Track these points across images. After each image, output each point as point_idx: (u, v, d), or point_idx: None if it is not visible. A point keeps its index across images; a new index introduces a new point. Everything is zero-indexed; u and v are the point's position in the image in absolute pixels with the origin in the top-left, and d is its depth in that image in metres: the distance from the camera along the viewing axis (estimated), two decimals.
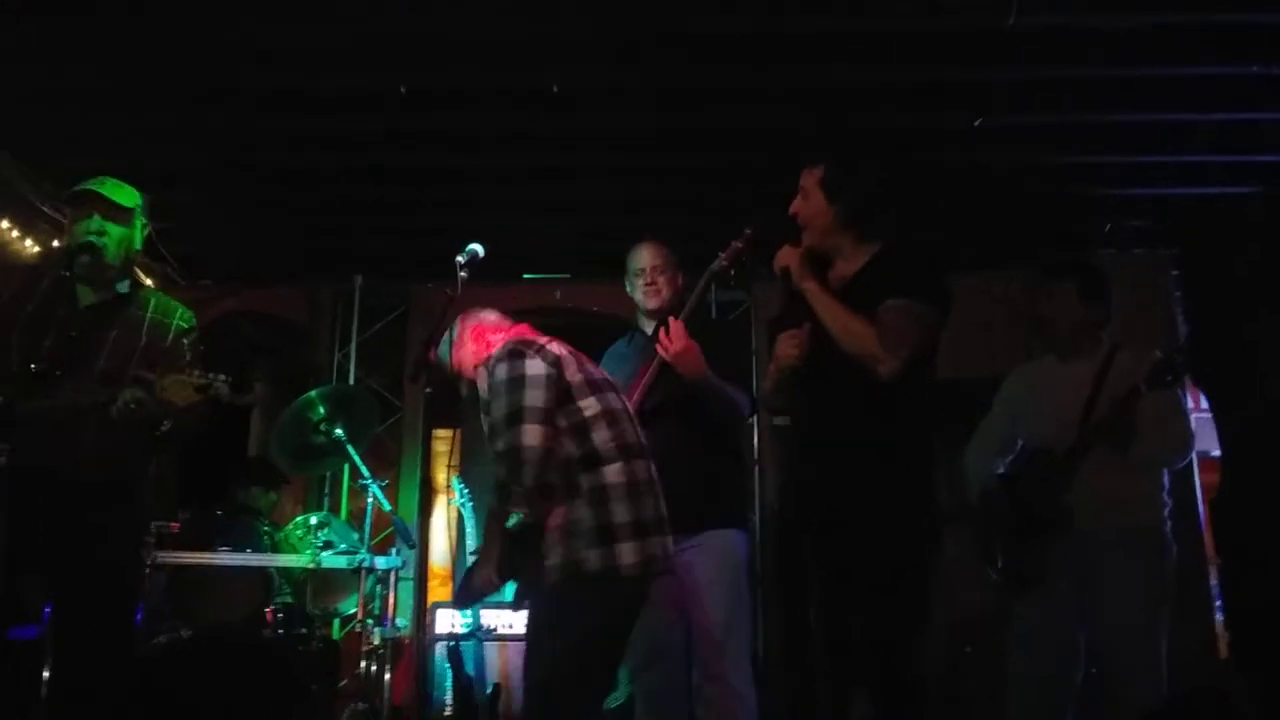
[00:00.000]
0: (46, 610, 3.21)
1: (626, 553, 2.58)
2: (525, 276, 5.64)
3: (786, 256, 2.72)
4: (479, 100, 4.05)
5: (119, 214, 2.92)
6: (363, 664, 3.86)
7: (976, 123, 3.90)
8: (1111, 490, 2.92)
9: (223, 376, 2.65)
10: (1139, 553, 2.93)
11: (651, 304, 3.31)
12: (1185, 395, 3.23)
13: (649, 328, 3.32)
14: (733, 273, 3.13)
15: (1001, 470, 3.18)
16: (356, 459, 3.97)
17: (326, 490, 5.49)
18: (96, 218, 2.90)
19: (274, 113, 4.16)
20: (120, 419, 2.67)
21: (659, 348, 3.07)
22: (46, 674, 3.33)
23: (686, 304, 3.19)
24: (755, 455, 5.27)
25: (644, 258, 3.34)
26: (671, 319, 3.09)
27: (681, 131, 4.27)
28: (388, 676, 3.84)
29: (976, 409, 3.37)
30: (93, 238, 2.87)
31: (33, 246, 4.81)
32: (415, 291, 5.65)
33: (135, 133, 4.29)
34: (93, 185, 2.93)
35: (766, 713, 3.05)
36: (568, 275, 5.68)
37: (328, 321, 5.78)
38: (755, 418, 3.57)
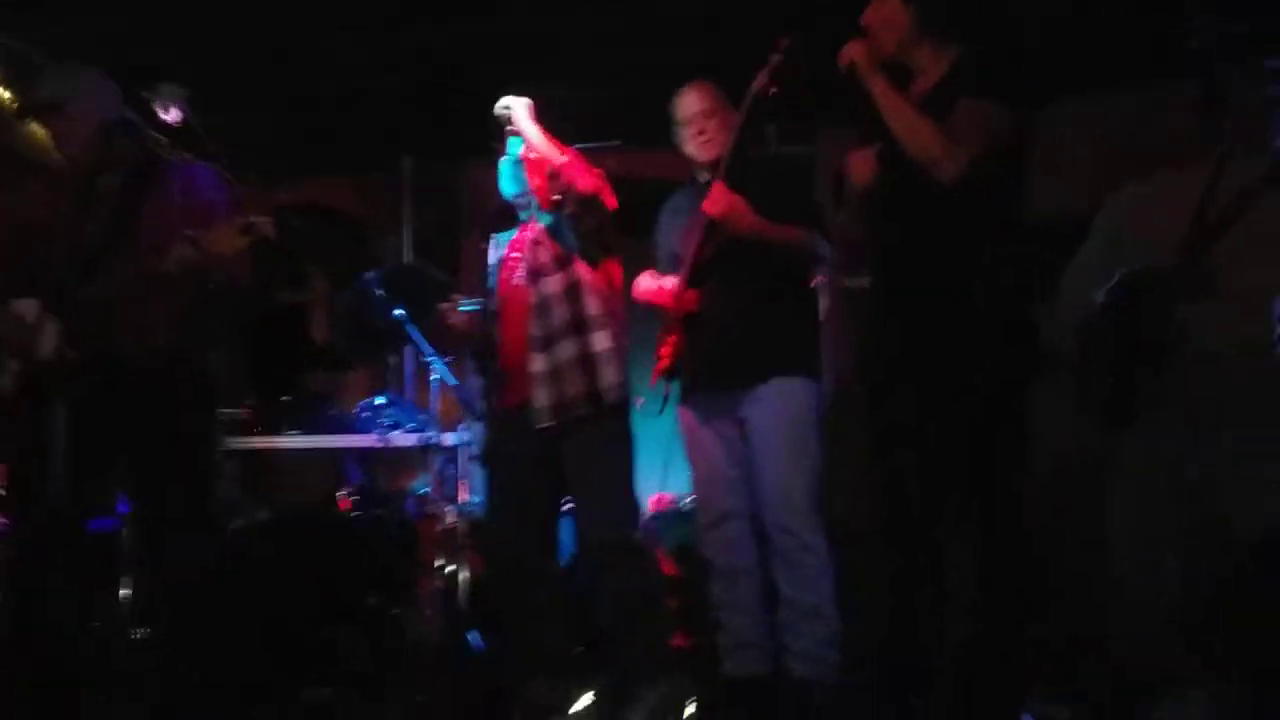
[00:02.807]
0: (124, 499, 3.26)
1: None
2: (575, 147, 5.46)
3: (854, 50, 2.52)
4: None
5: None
6: (439, 542, 3.87)
7: None
8: (1228, 307, 2.67)
9: (265, 219, 2.61)
10: (1259, 373, 2.72)
11: (706, 154, 3.12)
12: None
13: (705, 178, 3.15)
14: (773, 91, 2.90)
15: (1103, 299, 2.96)
16: (418, 336, 3.90)
17: (391, 374, 5.45)
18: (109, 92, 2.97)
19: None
20: (176, 275, 2.67)
21: (704, 207, 2.95)
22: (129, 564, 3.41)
23: (725, 152, 2.99)
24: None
25: (689, 104, 3.15)
26: (715, 184, 2.93)
27: None
28: (466, 552, 3.85)
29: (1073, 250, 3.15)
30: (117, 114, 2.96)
31: None
32: (466, 171, 5.50)
33: (166, 26, 4.17)
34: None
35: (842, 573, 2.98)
36: (619, 143, 5.48)
37: (379, 208, 5.70)
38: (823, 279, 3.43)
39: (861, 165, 2.58)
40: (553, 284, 3.11)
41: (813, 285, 3.26)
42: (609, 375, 3.05)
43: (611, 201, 3.12)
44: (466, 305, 3.54)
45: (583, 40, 4.49)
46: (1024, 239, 2.60)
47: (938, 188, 2.44)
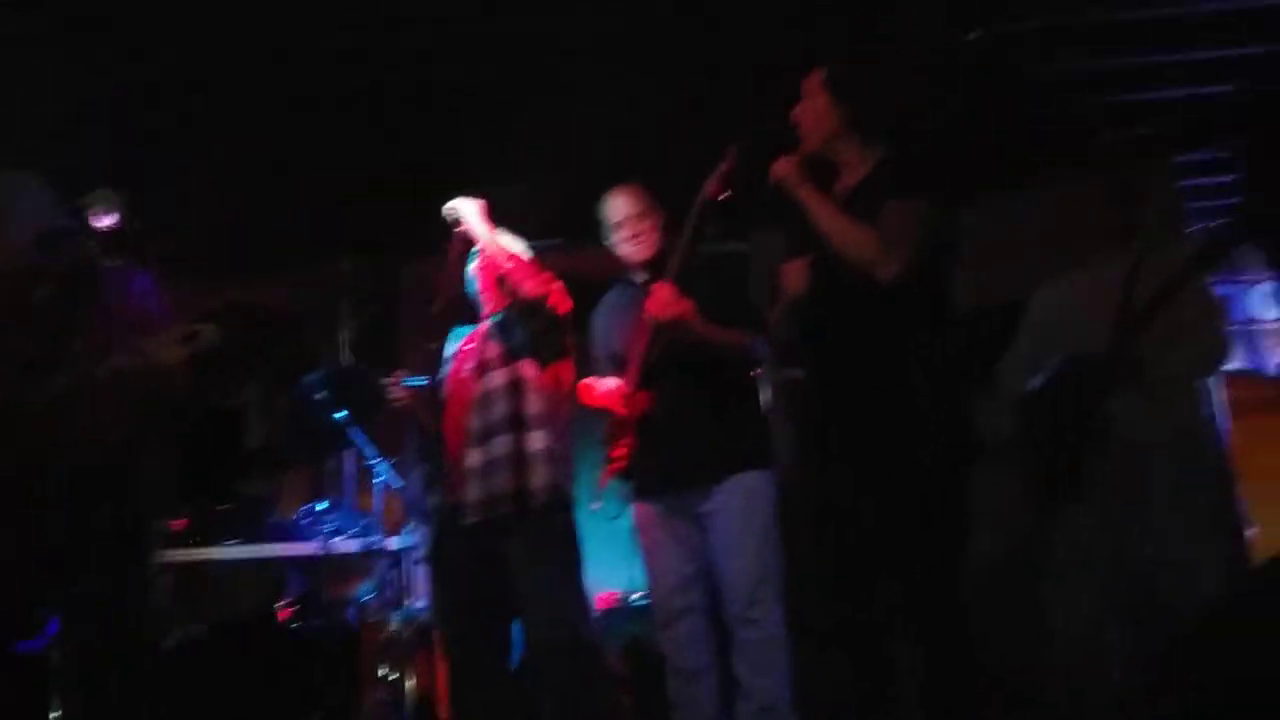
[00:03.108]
0: (53, 618, 3.14)
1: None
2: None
3: (782, 168, 2.61)
4: (453, 56, 3.89)
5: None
6: (383, 651, 3.77)
7: (971, 36, 3.77)
8: (1153, 395, 2.77)
9: (209, 325, 2.57)
10: (1190, 456, 2.81)
11: (640, 255, 3.17)
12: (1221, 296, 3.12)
13: (640, 279, 3.20)
14: (721, 198, 2.93)
15: (1036, 389, 3.04)
16: (361, 439, 3.86)
17: (331, 478, 5.36)
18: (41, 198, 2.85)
19: (233, 94, 4.03)
20: (111, 386, 2.61)
21: (651, 310, 2.95)
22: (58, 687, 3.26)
23: (674, 256, 3.01)
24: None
25: (620, 208, 3.19)
26: (658, 285, 2.95)
27: (673, 73, 4.09)
28: (412, 661, 3.75)
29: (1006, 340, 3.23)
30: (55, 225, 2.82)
31: None
32: (404, 272, 5.52)
33: (95, 123, 4.15)
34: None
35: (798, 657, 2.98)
36: (559, 240, 5.53)
37: (316, 310, 5.63)
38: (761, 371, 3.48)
39: (794, 276, 2.65)
40: (497, 379, 3.11)
41: (753, 377, 3.29)
42: (539, 477, 3.00)
43: (564, 304, 3.13)
44: (410, 381, 3.45)
45: (527, 140, 4.54)
46: (955, 331, 2.67)
47: (873, 289, 2.50)
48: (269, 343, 5.38)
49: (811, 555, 2.87)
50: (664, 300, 2.91)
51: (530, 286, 3.03)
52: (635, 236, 3.16)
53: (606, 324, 3.32)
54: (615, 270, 3.38)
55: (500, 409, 3.06)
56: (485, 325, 3.22)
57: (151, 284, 2.97)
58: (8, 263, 2.87)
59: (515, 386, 3.08)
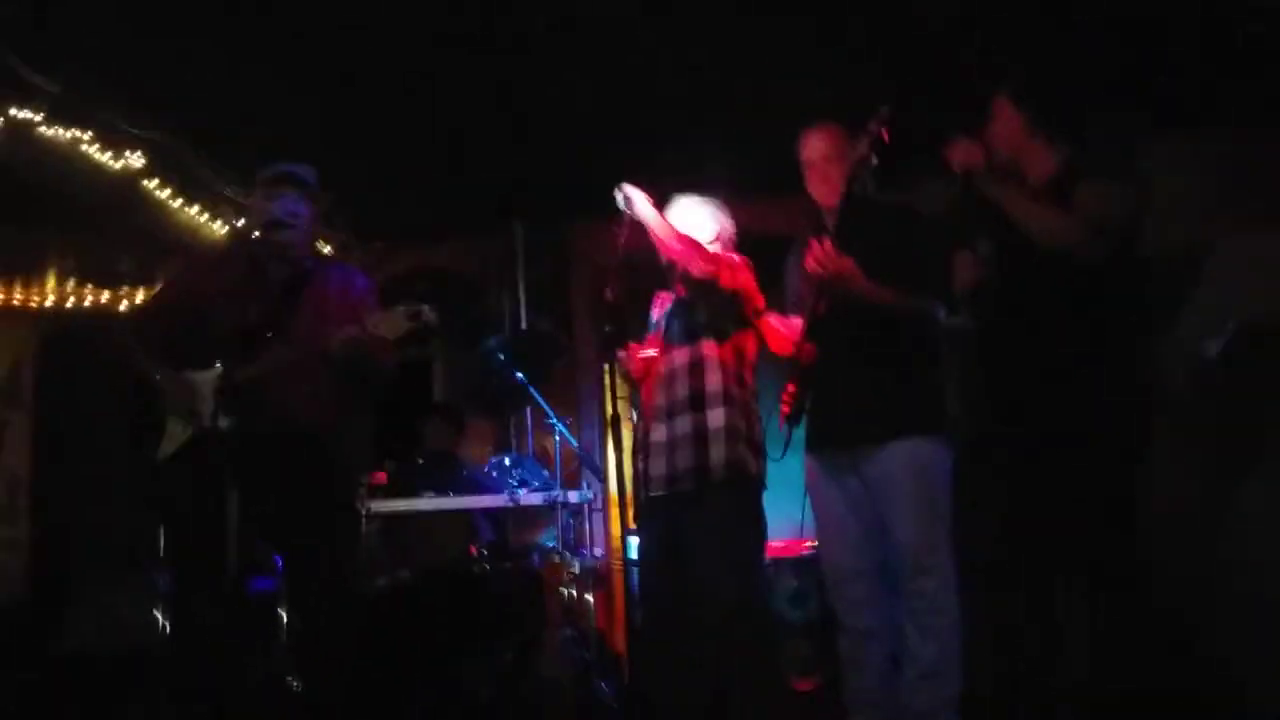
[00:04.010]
0: (279, 562, 3.50)
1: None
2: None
3: (968, 154, 2.64)
4: (622, 28, 3.99)
5: (312, 195, 3.12)
6: (565, 592, 4.06)
7: None
8: None
9: (427, 306, 2.76)
10: None
11: (827, 199, 3.08)
12: None
13: (829, 222, 3.10)
14: (874, 160, 2.89)
15: (1215, 352, 2.99)
16: (540, 400, 4.09)
17: (513, 432, 5.66)
18: (293, 196, 3.08)
19: (418, 64, 4.22)
20: (339, 356, 2.86)
21: (808, 266, 2.92)
22: (285, 621, 3.65)
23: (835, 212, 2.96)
24: None
25: (812, 148, 3.12)
26: (821, 241, 2.91)
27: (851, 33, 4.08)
28: (591, 602, 4.03)
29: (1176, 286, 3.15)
30: (289, 215, 3.06)
31: (221, 229, 5.16)
32: (575, 232, 5.71)
33: (292, 110, 4.43)
34: (286, 166, 3.13)
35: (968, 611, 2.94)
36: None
37: (495, 270, 5.90)
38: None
39: (965, 269, 2.70)
40: (679, 357, 3.21)
41: (929, 338, 3.12)
42: (718, 453, 3.08)
43: (736, 279, 3.16)
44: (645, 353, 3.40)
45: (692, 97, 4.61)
46: (1135, 283, 2.65)
47: (1071, 268, 2.53)
48: (453, 304, 5.72)
49: (987, 509, 2.86)
50: (822, 257, 2.89)
51: (698, 267, 3.08)
52: (824, 179, 3.08)
53: (792, 269, 3.28)
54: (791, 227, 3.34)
55: (682, 388, 3.17)
56: (669, 303, 3.33)
57: (370, 284, 3.22)
58: (244, 238, 3.16)
59: (696, 366, 3.17)
